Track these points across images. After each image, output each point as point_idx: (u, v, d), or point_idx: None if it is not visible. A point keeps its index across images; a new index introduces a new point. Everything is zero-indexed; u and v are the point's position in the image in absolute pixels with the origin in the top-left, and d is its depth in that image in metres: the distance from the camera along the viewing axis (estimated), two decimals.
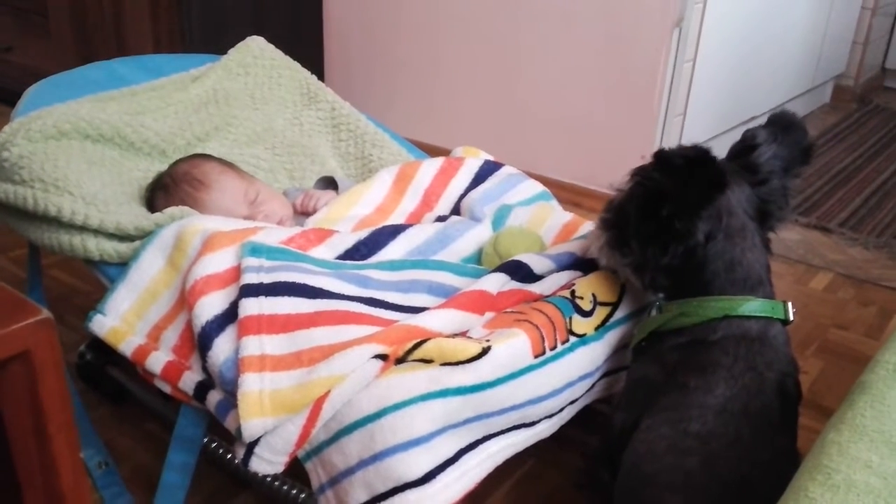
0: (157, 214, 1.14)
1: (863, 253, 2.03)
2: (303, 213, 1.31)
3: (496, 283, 1.06)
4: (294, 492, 1.04)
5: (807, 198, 2.32)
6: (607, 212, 1.03)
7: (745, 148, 1.02)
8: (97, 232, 1.13)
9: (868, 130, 2.96)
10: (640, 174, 0.97)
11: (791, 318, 0.96)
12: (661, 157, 0.93)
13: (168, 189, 1.25)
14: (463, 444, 0.92)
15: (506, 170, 1.39)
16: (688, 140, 2.20)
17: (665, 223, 0.93)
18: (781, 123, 1.04)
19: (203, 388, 0.97)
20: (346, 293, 1.03)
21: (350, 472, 0.88)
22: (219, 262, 1.03)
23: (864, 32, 3.21)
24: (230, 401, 0.93)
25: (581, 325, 1.02)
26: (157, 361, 1.01)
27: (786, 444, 0.91)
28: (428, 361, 0.91)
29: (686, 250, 0.94)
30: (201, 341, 0.96)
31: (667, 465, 0.89)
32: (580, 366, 1.01)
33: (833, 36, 2.98)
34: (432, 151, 1.60)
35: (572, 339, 1.01)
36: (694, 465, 0.87)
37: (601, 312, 1.05)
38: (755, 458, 0.87)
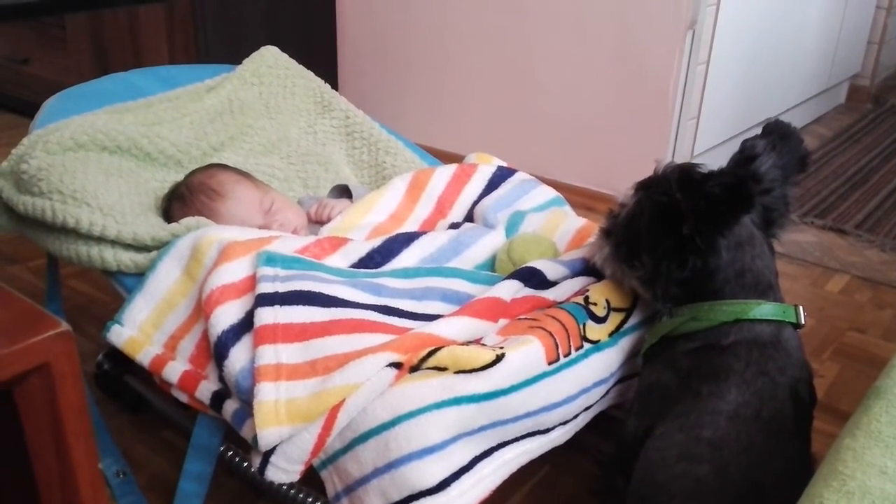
0: (174, 225, 1.15)
1: (879, 255, 2.02)
2: (317, 222, 1.32)
3: (510, 289, 1.07)
4: (310, 500, 1.05)
5: (822, 200, 2.31)
6: (610, 224, 1.04)
7: (744, 158, 1.02)
8: (114, 243, 1.14)
9: (884, 131, 2.94)
10: (647, 188, 0.98)
11: (803, 321, 0.96)
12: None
13: (184, 199, 1.26)
14: (477, 452, 0.92)
15: (519, 176, 1.39)
16: (702, 143, 2.20)
17: (685, 240, 0.93)
18: (778, 133, 1.04)
19: (219, 398, 0.98)
20: (360, 301, 1.03)
21: (365, 480, 0.89)
22: (234, 271, 1.04)
23: (880, 32, 3.19)
24: (246, 410, 0.93)
25: (595, 331, 1.02)
26: (174, 371, 1.02)
27: (799, 449, 0.91)
28: (442, 369, 0.91)
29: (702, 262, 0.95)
30: (217, 351, 0.97)
31: (679, 472, 0.88)
32: (594, 372, 1.01)
33: (848, 36, 2.97)
34: (445, 158, 1.60)
35: (586, 345, 1.01)
36: (706, 471, 0.87)
37: (615, 318, 1.05)
38: (768, 464, 0.87)
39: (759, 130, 1.08)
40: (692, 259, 0.94)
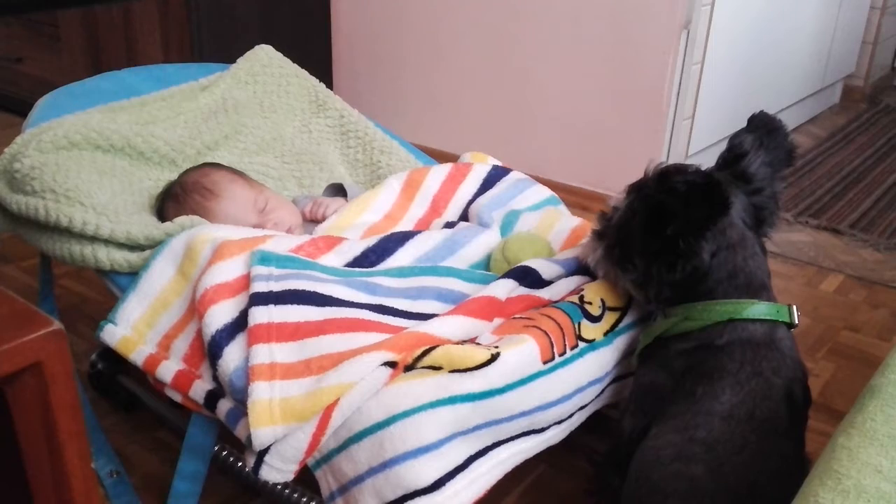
0: (167, 224, 1.15)
1: (874, 254, 2.02)
2: (312, 221, 1.32)
3: (505, 289, 1.06)
4: (304, 500, 1.05)
5: (817, 199, 2.32)
6: (602, 226, 1.04)
7: (733, 156, 1.02)
8: (108, 242, 1.13)
9: (878, 130, 2.95)
10: (637, 190, 0.98)
11: (796, 321, 0.96)
12: (664, 178, 0.93)
13: (178, 198, 1.26)
14: (472, 451, 0.92)
15: (514, 175, 1.39)
16: (697, 143, 2.21)
17: (670, 242, 0.93)
18: (765, 127, 1.04)
19: (213, 397, 0.98)
20: (355, 300, 1.03)
21: (360, 479, 0.88)
22: (229, 270, 1.03)
23: (874, 32, 3.20)
24: (240, 409, 0.93)
25: (590, 330, 1.02)
26: (168, 371, 1.02)
27: (793, 449, 0.91)
28: (437, 368, 0.91)
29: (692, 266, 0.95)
30: (211, 350, 0.97)
31: (673, 472, 0.88)
32: (589, 371, 1.01)
33: (842, 36, 2.97)
34: (440, 157, 1.60)
35: (581, 344, 1.01)
36: (699, 472, 0.87)
37: (610, 317, 1.05)
38: (762, 465, 0.87)
39: None
40: (680, 262, 0.94)
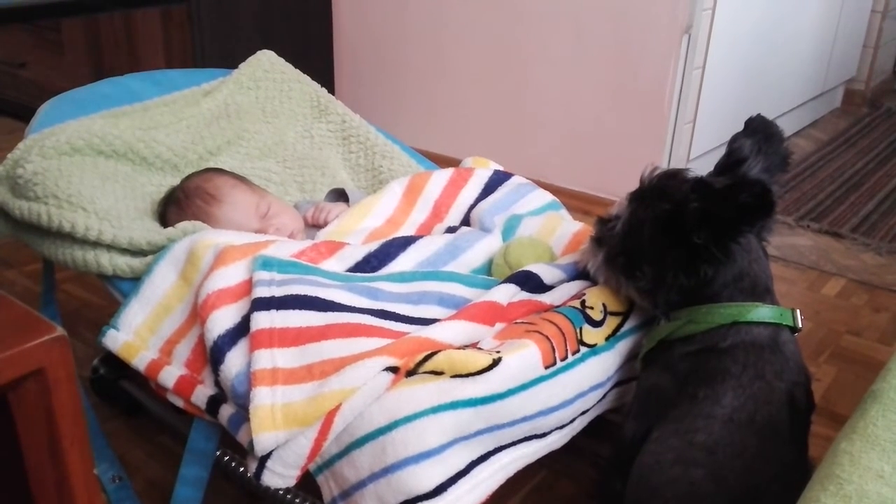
0: (170, 229, 1.15)
1: (875, 258, 2.02)
2: (314, 226, 1.32)
3: (506, 293, 1.06)
4: None
5: (818, 203, 2.32)
6: (602, 233, 1.04)
7: (733, 161, 1.02)
8: (110, 247, 1.13)
9: (879, 134, 2.95)
10: (641, 200, 0.98)
11: (800, 325, 0.96)
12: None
13: (180, 204, 1.26)
14: (474, 456, 0.92)
15: (515, 180, 1.39)
16: (698, 147, 2.21)
17: (697, 249, 0.93)
18: (763, 131, 1.04)
19: (215, 402, 0.98)
20: (356, 306, 1.03)
21: (361, 485, 0.88)
22: (231, 276, 1.04)
23: (875, 36, 3.20)
24: (242, 414, 0.93)
25: (592, 335, 1.02)
26: (170, 376, 1.02)
27: (794, 454, 0.91)
28: (438, 373, 0.91)
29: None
30: (213, 355, 0.97)
31: (673, 476, 0.88)
32: (591, 376, 1.01)
33: (843, 40, 2.98)
34: (442, 162, 1.61)
35: (583, 349, 1.01)
36: (700, 476, 0.87)
37: (612, 322, 1.05)
38: (762, 469, 0.87)
39: None
40: (704, 267, 0.94)
